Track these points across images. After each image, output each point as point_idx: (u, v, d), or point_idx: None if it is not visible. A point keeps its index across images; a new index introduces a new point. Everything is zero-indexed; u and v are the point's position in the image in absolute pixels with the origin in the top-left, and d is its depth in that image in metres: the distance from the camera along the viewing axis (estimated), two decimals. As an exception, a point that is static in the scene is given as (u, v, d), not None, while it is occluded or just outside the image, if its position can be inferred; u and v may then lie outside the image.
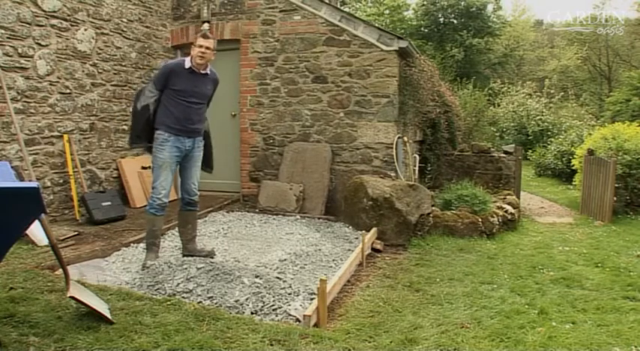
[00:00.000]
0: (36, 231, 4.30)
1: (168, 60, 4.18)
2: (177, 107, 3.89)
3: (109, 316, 2.81)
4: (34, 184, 2.13)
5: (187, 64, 3.91)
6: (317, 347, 2.68)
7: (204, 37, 3.89)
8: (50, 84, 5.25)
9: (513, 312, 3.38)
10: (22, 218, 2.33)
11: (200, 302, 3.25)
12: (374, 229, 5.14)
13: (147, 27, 6.67)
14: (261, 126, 6.78)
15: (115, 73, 6.12)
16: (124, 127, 6.34)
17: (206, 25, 6.77)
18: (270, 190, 6.40)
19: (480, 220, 5.69)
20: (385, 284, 3.94)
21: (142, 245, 4.50)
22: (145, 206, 4.27)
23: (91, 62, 5.76)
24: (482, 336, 3.02)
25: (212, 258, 4.08)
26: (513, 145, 8.83)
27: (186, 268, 3.65)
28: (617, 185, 6.91)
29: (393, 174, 6.10)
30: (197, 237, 5.00)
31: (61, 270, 2.95)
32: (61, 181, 5.40)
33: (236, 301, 3.27)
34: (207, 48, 3.86)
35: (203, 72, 3.97)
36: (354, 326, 3.11)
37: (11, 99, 4.74)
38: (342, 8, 8.12)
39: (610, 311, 3.49)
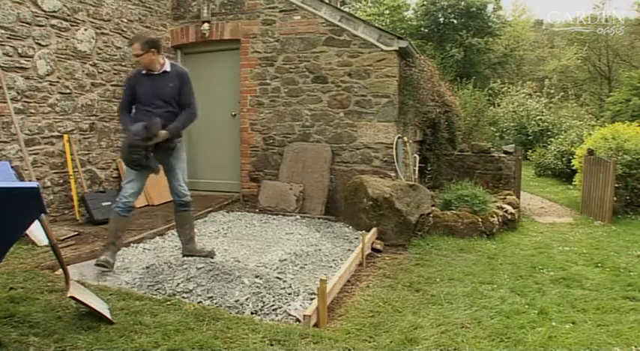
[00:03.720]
0: (36, 231, 4.30)
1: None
2: (145, 115, 3.81)
3: (109, 316, 2.81)
4: (34, 184, 2.13)
5: (143, 70, 3.87)
6: (317, 347, 2.68)
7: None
8: (50, 84, 5.25)
9: (513, 312, 3.38)
10: (22, 218, 2.33)
11: (200, 302, 3.25)
12: (374, 229, 5.14)
13: (147, 27, 6.67)
14: (261, 126, 6.79)
15: (115, 73, 6.12)
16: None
17: (206, 26, 6.78)
18: (270, 190, 6.40)
19: (480, 220, 5.69)
20: (385, 284, 3.94)
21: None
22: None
23: (91, 62, 5.76)
24: (482, 336, 3.02)
25: (212, 258, 4.08)
26: (513, 145, 8.84)
27: (186, 268, 3.65)
28: (617, 185, 6.91)
29: (393, 174, 6.10)
30: (197, 237, 5.01)
31: (61, 270, 2.96)
32: (61, 181, 5.40)
33: (236, 301, 3.27)
34: (135, 56, 3.81)
35: (160, 71, 3.85)
36: (354, 326, 3.11)
37: (11, 99, 4.74)
38: (342, 8, 8.12)
39: (610, 311, 3.49)
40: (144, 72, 3.86)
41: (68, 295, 2.79)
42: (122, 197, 3.88)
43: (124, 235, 4.14)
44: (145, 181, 4.00)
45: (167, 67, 3.88)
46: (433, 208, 5.66)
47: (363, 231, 4.77)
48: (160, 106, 3.84)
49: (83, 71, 5.67)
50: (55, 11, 5.24)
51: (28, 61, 4.98)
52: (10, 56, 4.80)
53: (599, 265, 4.68)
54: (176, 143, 3.96)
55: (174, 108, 3.91)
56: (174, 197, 4.16)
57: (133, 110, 3.95)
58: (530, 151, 13.40)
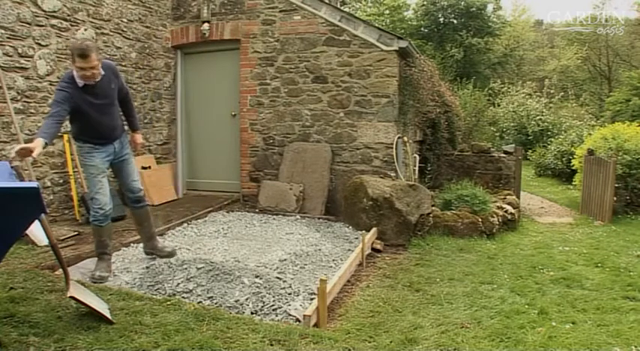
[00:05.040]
0: (36, 231, 4.30)
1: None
2: (93, 123, 3.60)
3: (108, 316, 2.81)
4: (34, 184, 2.13)
5: (80, 82, 3.43)
6: (317, 347, 2.68)
7: (83, 57, 3.31)
8: (50, 84, 5.25)
9: (513, 312, 3.39)
10: (22, 218, 2.33)
11: (200, 302, 3.25)
12: (374, 229, 5.14)
13: (147, 27, 6.67)
14: (261, 126, 6.79)
15: (115, 73, 6.12)
16: (125, 127, 6.33)
17: (206, 26, 6.78)
18: (270, 190, 6.40)
19: (480, 220, 5.68)
20: (385, 284, 3.94)
21: (142, 245, 4.49)
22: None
23: (91, 62, 5.76)
24: (482, 336, 3.02)
25: (172, 257, 4.03)
26: (513, 145, 8.83)
27: (186, 268, 3.66)
28: (617, 185, 6.91)
29: (393, 174, 6.10)
30: (198, 236, 5.01)
31: (61, 270, 2.96)
32: (61, 181, 5.40)
33: (236, 301, 3.27)
34: (91, 68, 3.37)
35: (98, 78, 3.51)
36: (354, 326, 3.11)
37: (11, 99, 4.74)
38: (342, 8, 8.12)
39: (610, 311, 3.49)
40: (81, 85, 3.42)
41: (68, 295, 2.79)
42: (99, 210, 3.71)
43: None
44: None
45: (101, 70, 3.52)
46: (433, 208, 5.66)
47: (363, 231, 4.77)
48: (109, 112, 3.65)
49: (83, 71, 5.67)
50: (55, 11, 5.24)
51: (28, 61, 4.98)
52: (10, 56, 4.80)
53: (599, 265, 4.68)
54: (126, 136, 3.92)
55: (116, 106, 3.78)
56: (127, 194, 4.03)
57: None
58: (530, 151, 13.40)
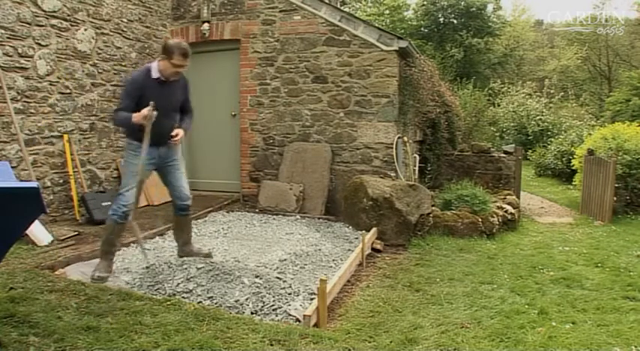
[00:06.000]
0: (36, 231, 4.31)
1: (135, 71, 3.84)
2: (153, 124, 3.59)
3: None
4: (34, 184, 2.13)
5: (155, 74, 3.57)
6: (317, 347, 2.68)
7: (185, 56, 3.54)
8: (50, 84, 5.25)
9: (513, 312, 3.38)
10: (22, 218, 2.33)
11: (200, 302, 3.25)
12: (374, 229, 5.14)
13: (147, 27, 6.67)
14: (261, 126, 6.79)
15: (115, 73, 6.12)
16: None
17: (206, 25, 6.78)
18: (270, 190, 6.40)
19: (480, 220, 5.68)
20: (385, 284, 3.94)
21: (178, 250, 4.47)
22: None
23: (91, 62, 5.76)
24: (482, 336, 3.01)
25: (210, 258, 4.04)
26: (513, 145, 8.84)
27: (186, 268, 3.65)
28: (617, 185, 6.91)
29: (393, 174, 6.10)
30: (197, 237, 5.01)
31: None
32: (61, 181, 5.40)
33: (236, 301, 3.27)
34: (183, 68, 3.62)
35: (173, 79, 3.68)
36: (354, 326, 3.11)
37: (11, 99, 4.74)
38: (342, 8, 8.12)
39: (610, 311, 3.49)
40: (155, 77, 3.58)
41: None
42: (122, 207, 3.67)
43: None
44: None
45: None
46: (433, 208, 5.66)
47: (363, 231, 4.77)
48: (168, 116, 3.69)
49: (83, 71, 5.67)
50: (55, 11, 5.24)
51: (28, 61, 4.98)
52: (10, 56, 4.80)
53: (599, 265, 4.68)
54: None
55: (179, 112, 3.86)
56: (175, 201, 3.98)
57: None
58: (530, 151, 13.40)
